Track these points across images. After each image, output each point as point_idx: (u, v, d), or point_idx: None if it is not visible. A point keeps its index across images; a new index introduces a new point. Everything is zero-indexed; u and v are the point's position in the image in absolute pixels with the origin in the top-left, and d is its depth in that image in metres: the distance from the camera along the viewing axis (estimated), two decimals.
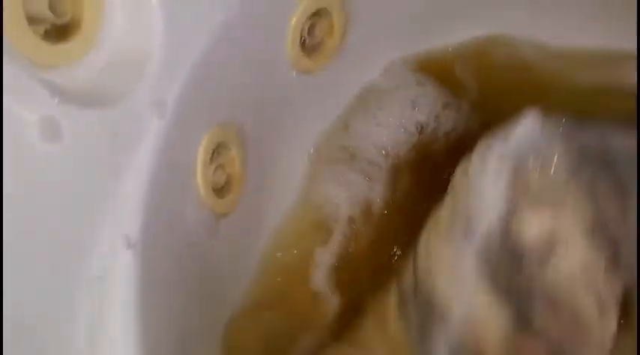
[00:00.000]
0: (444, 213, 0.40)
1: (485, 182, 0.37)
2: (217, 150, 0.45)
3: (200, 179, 0.42)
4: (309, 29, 0.49)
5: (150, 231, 0.37)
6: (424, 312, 0.39)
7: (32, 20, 0.33)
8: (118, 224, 0.36)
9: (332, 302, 0.49)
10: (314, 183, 0.54)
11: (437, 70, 0.58)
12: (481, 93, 0.56)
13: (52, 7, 0.34)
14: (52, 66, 0.33)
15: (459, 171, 0.39)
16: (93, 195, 0.35)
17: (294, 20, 0.48)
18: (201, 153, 0.43)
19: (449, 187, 0.40)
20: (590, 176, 0.36)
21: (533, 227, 0.36)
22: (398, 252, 0.50)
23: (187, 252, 0.42)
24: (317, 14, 0.49)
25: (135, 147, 0.36)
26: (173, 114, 0.39)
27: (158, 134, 0.38)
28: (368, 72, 0.57)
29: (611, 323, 0.35)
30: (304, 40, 0.50)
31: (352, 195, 0.53)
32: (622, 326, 0.35)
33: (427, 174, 0.54)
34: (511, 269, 0.36)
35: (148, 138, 0.37)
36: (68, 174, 0.33)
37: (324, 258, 0.51)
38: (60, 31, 0.35)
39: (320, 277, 0.50)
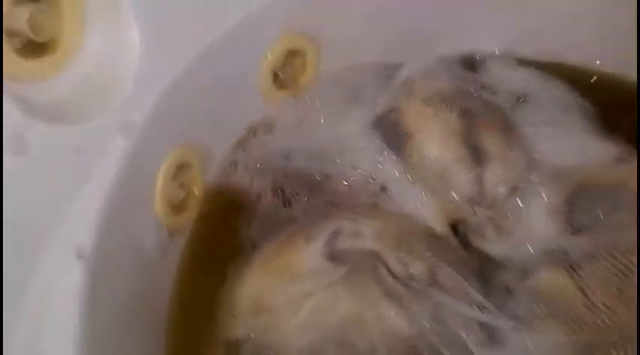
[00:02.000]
0: None
1: None
2: (181, 169, 0.47)
3: (159, 197, 0.44)
4: (283, 65, 0.52)
5: (103, 244, 0.39)
6: None
7: (10, 33, 0.34)
8: (72, 234, 0.37)
9: None
10: None
11: None
12: None
13: (32, 22, 0.34)
14: (23, 80, 0.34)
15: None
16: (50, 206, 0.36)
17: (268, 56, 0.50)
18: (162, 173, 0.44)
19: None
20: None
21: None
22: None
23: (138, 267, 0.43)
24: (292, 53, 0.52)
25: (96, 163, 0.38)
26: (139, 134, 0.41)
27: (121, 153, 0.39)
28: None
29: None
30: (277, 74, 0.52)
31: None
32: None
33: None
34: None
35: (110, 156, 0.39)
36: (28, 185, 0.35)
37: None
38: (37, 46, 0.36)
39: None
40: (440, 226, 0.46)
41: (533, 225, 0.45)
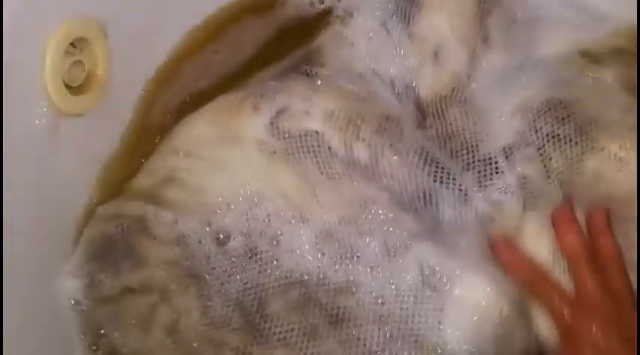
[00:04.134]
0: None
1: None
2: (78, 46, 0.43)
3: (49, 75, 0.40)
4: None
5: None
6: None
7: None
8: None
9: None
10: None
11: None
12: None
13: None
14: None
15: None
16: None
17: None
18: (52, 47, 0.40)
19: None
20: None
21: None
22: None
23: (29, 148, 0.40)
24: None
25: None
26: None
27: None
28: None
29: None
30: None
31: None
32: None
33: None
34: None
35: None
36: None
37: None
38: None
39: None
40: (425, 95, 0.47)
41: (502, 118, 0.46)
